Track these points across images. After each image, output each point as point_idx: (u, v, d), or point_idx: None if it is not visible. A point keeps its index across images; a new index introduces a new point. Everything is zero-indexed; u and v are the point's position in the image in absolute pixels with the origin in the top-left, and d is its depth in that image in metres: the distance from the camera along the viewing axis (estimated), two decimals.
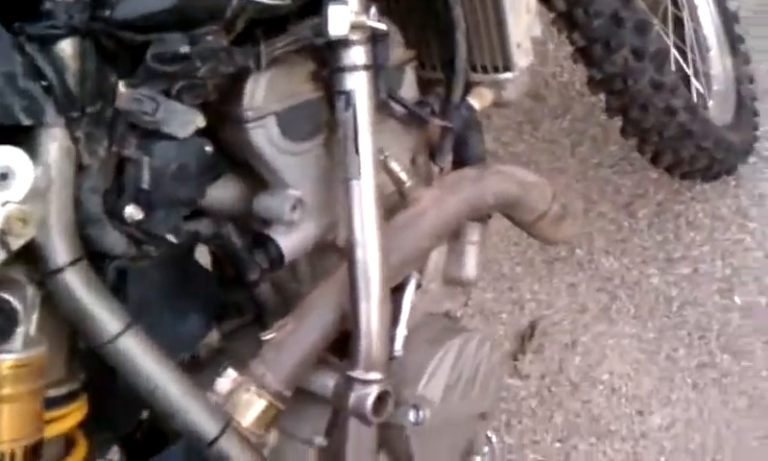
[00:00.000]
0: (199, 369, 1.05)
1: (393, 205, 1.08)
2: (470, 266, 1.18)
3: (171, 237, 0.92)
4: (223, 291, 1.09)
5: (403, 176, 1.07)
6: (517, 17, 1.16)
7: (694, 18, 2.23)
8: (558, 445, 1.81)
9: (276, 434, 0.98)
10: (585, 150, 2.37)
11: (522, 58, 1.16)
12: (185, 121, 0.88)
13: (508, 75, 1.17)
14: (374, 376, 0.97)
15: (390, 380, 0.99)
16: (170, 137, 0.88)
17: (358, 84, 0.97)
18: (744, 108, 2.09)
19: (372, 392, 0.95)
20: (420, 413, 1.03)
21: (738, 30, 2.23)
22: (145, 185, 0.88)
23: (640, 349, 1.91)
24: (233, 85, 0.95)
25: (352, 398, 0.97)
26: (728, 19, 2.23)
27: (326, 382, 1.02)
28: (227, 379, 0.95)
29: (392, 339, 1.01)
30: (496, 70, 1.18)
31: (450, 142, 1.16)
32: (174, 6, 0.83)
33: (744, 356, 1.83)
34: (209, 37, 0.86)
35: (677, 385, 1.85)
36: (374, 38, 0.99)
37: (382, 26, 0.99)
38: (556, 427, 1.82)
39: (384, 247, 0.98)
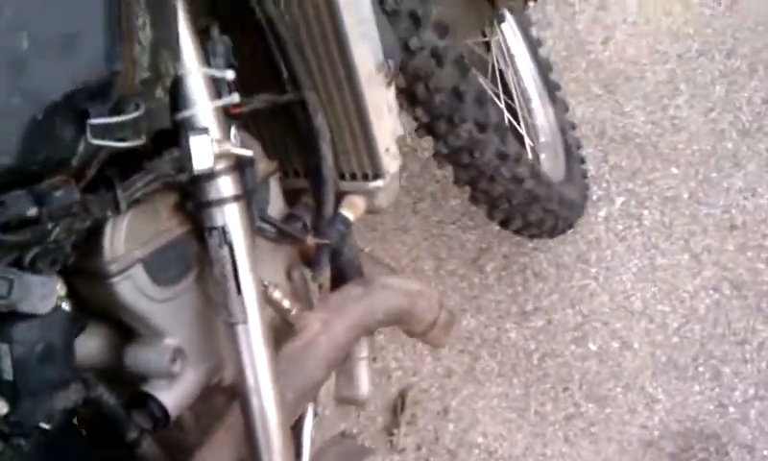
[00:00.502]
0: None
1: (277, 333, 1.01)
2: (364, 384, 1.14)
3: (44, 425, 0.81)
4: (98, 451, 0.98)
5: (287, 304, 1.02)
6: (381, 120, 1.13)
7: (516, 71, 2.29)
8: None
9: None
10: (426, 206, 2.39)
11: (392, 163, 1.14)
12: (45, 294, 0.78)
13: (379, 183, 1.14)
14: None
15: None
16: (30, 316, 0.77)
17: (230, 218, 0.90)
18: (572, 156, 2.18)
19: None
20: None
21: (553, 77, 2.31)
22: (8, 377, 0.77)
23: (510, 407, 1.94)
24: (89, 236, 0.85)
25: None
26: (542, 67, 2.30)
27: None
28: None
29: None
30: (366, 178, 1.15)
31: (327, 257, 1.11)
32: (11, 165, 0.69)
33: (607, 403, 1.90)
34: (58, 192, 0.75)
35: (549, 440, 1.89)
36: (241, 164, 0.93)
37: (248, 152, 0.93)
38: None
39: (279, 390, 0.91)
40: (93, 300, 0.89)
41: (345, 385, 1.14)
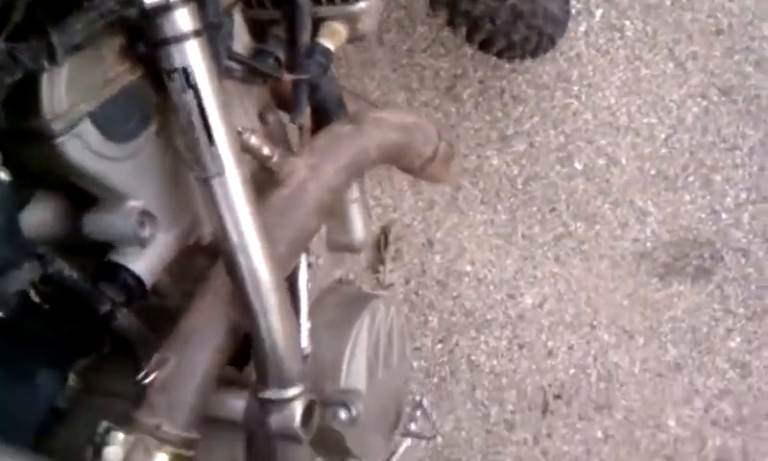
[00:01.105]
0: (62, 421, 0.84)
1: (259, 183, 0.86)
2: (358, 227, 1.03)
3: None
4: (69, 326, 0.86)
5: (267, 150, 0.87)
6: None
7: None
8: (439, 346, 1.76)
9: None
10: (393, 36, 2.24)
11: None
12: None
13: (362, 4, 0.98)
14: (293, 391, 0.81)
15: (309, 388, 0.83)
16: None
17: (193, 57, 0.74)
18: None
19: (296, 410, 0.81)
20: (352, 409, 0.91)
21: None
22: None
23: (496, 233, 1.87)
24: (24, 92, 0.70)
25: (275, 421, 0.81)
26: None
27: (235, 406, 0.85)
28: (116, 446, 0.74)
29: None
30: None
31: (305, 94, 0.97)
32: None
33: (596, 220, 1.84)
34: None
35: (539, 262, 1.83)
36: None
37: None
38: (433, 330, 1.76)
39: (268, 245, 0.78)
40: (38, 165, 0.74)
41: (338, 230, 1.03)
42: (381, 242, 1.86)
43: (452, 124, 2.05)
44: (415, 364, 1.73)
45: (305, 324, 0.89)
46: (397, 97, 2.10)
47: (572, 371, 1.74)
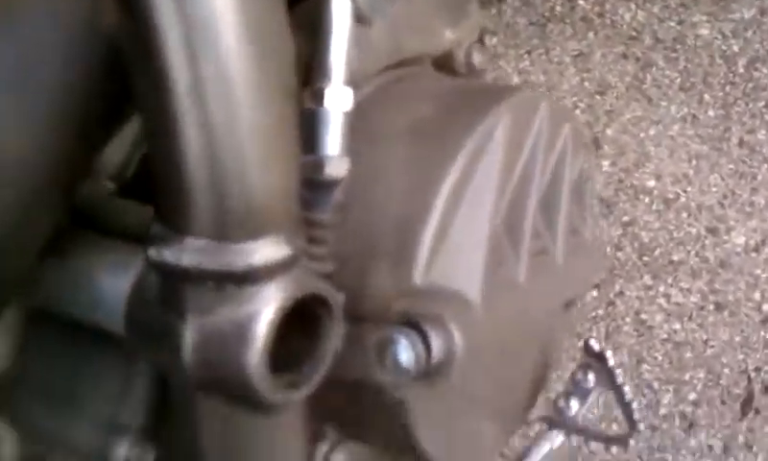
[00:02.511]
0: None
1: None
2: None
3: None
4: None
5: None
6: None
7: None
8: (594, 294, 1.26)
9: None
10: None
11: None
12: None
13: None
14: (268, 252, 0.36)
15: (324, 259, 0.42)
16: None
17: None
18: None
19: (263, 308, 0.36)
20: (438, 344, 0.41)
21: None
22: None
23: (699, 136, 1.36)
24: None
25: (206, 338, 0.36)
26: None
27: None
28: None
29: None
30: None
31: None
32: None
33: None
34: None
35: (762, 182, 1.32)
36: None
37: None
38: None
39: None
40: None
41: None
42: None
43: None
44: None
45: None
46: None
47: None
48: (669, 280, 1.24)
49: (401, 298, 0.42)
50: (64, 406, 0.47)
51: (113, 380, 0.45)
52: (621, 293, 1.24)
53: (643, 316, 1.23)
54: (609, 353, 0.53)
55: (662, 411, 1.18)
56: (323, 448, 0.48)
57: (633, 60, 1.42)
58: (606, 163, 1.34)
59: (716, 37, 1.42)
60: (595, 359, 0.53)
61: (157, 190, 0.36)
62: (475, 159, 0.45)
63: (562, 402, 0.54)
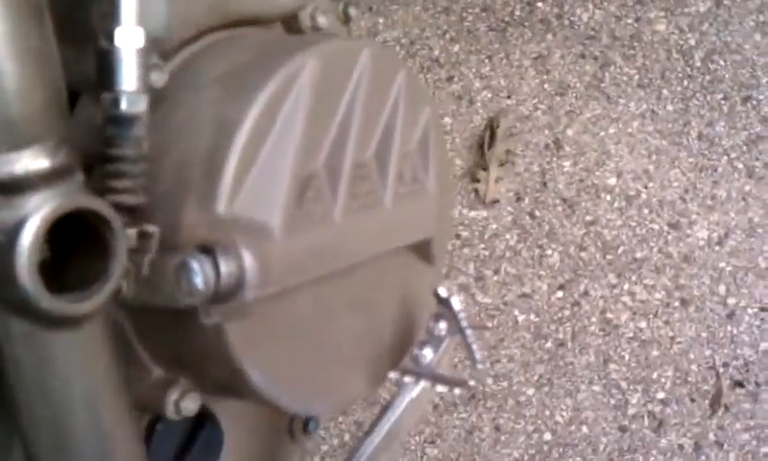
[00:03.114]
0: None
1: None
2: None
3: None
4: None
5: None
6: None
7: None
8: (559, 295, 1.24)
9: None
10: None
11: None
12: None
13: None
14: (25, 163, 0.40)
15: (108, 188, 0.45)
16: None
17: None
18: None
19: (23, 218, 0.39)
20: (228, 267, 0.45)
21: None
22: None
23: (658, 130, 1.35)
24: None
25: None
26: None
27: None
28: None
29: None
30: None
31: None
32: None
33: None
34: None
35: (722, 175, 1.30)
36: None
37: None
38: (552, 270, 1.27)
39: None
40: None
41: None
42: (486, 139, 1.36)
43: None
44: (520, 317, 1.21)
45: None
46: None
47: (765, 346, 1.19)
48: (633, 278, 1.22)
49: (203, 226, 0.45)
50: None
51: None
52: (586, 293, 1.22)
53: (609, 315, 1.21)
54: (454, 299, 0.54)
55: (631, 411, 1.16)
56: (172, 395, 0.50)
57: (591, 60, 1.41)
58: (567, 164, 1.32)
59: (673, 32, 1.41)
60: (444, 306, 0.54)
61: None
62: (278, 100, 0.47)
63: (416, 351, 0.56)
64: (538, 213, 1.29)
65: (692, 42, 1.40)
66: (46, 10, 0.40)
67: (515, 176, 1.33)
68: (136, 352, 0.50)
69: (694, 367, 1.18)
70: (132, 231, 0.44)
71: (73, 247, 0.41)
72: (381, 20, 1.47)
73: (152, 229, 0.44)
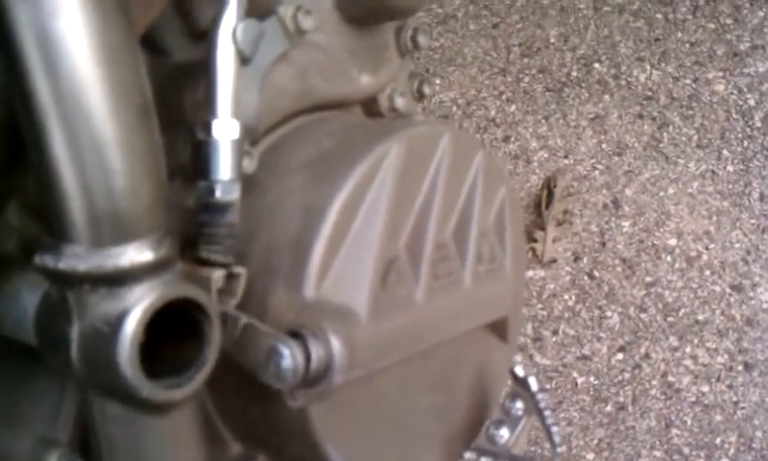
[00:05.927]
0: None
1: None
2: None
3: None
4: None
5: None
6: None
7: None
8: (619, 357, 1.21)
9: None
10: None
11: None
12: None
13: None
14: (133, 255, 0.39)
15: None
16: None
17: None
18: None
19: (135, 303, 0.39)
20: (317, 352, 0.44)
21: None
22: None
23: (718, 191, 1.33)
24: None
25: (89, 338, 0.39)
26: None
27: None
28: None
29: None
30: None
31: None
32: None
33: None
34: None
35: None
36: None
37: None
38: (612, 332, 1.24)
39: None
40: None
41: None
42: (543, 198, 1.36)
43: (657, 35, 1.48)
44: (579, 380, 1.18)
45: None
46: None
47: None
48: (695, 341, 1.19)
49: (291, 310, 0.45)
50: (2, 423, 0.49)
51: (48, 398, 0.48)
52: (647, 355, 1.20)
53: (671, 378, 1.18)
54: (532, 379, 0.53)
55: None
56: None
57: (649, 120, 1.40)
58: (626, 224, 1.31)
59: (732, 93, 1.39)
60: (521, 386, 0.53)
61: (44, 205, 0.39)
62: (365, 184, 0.48)
63: (492, 430, 0.55)
64: (597, 274, 1.28)
65: (752, 103, 1.38)
66: (153, 107, 0.40)
67: (572, 236, 1.32)
68: (217, 428, 0.51)
69: (759, 433, 1.15)
70: (220, 273, 0.45)
71: (165, 329, 0.41)
72: (438, 81, 1.49)
73: (239, 270, 0.45)
